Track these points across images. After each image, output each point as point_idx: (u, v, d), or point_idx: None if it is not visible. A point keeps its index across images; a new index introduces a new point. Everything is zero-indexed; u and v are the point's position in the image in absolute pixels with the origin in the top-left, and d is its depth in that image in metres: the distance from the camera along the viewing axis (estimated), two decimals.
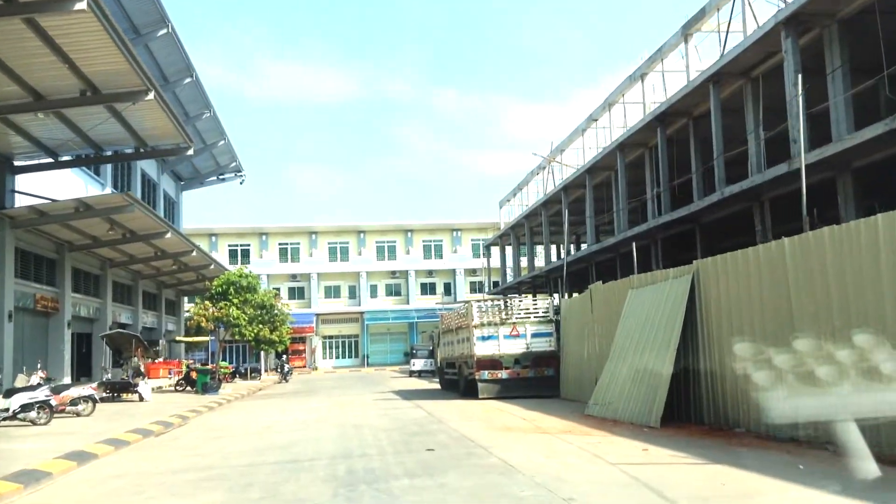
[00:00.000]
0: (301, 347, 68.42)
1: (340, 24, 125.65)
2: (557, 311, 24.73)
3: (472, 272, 70.62)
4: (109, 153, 29.01)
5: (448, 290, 70.87)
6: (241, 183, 57.79)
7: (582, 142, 41.34)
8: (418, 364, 45.80)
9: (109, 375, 28.47)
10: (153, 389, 35.85)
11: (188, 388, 34.25)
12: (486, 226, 71.48)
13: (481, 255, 71.18)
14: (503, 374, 23.82)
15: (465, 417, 18.52)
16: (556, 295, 42.03)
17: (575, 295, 24.23)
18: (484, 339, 24.21)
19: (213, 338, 48.03)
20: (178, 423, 20.03)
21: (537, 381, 23.74)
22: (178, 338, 47.65)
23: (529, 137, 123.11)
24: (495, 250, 61.46)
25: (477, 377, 23.86)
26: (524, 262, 54.42)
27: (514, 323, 24.36)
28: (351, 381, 45.62)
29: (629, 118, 36.43)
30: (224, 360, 68.82)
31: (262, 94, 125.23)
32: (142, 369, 29.79)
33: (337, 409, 23.47)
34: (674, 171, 29.09)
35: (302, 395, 32.57)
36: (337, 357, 70.44)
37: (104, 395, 28.01)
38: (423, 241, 71.67)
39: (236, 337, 35.72)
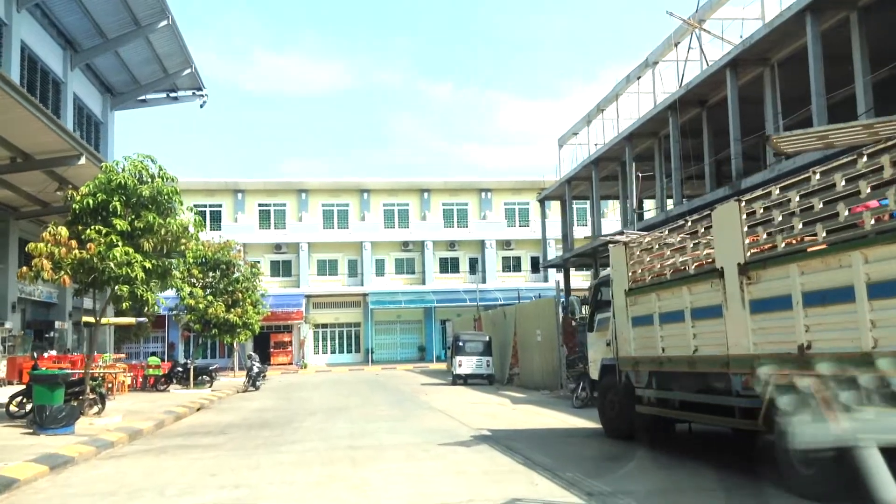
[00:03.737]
0: (286, 339, 49.24)
1: (335, 16, 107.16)
2: None
3: (506, 244, 51.56)
4: None
5: (474, 266, 51.78)
6: (201, 106, 38.78)
7: None
8: (467, 364, 26.56)
9: None
10: None
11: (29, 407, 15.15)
12: (523, 185, 52.47)
13: (517, 223, 52.25)
14: None
15: None
16: None
17: None
18: None
19: (141, 320, 28.80)
20: None
21: None
22: (87, 319, 28.20)
23: (525, 133, 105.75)
24: (551, 210, 42.52)
25: None
26: (599, 224, 35.30)
27: None
28: (358, 389, 26.48)
29: None
30: (186, 354, 49.51)
31: (256, 85, 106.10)
32: None
33: None
34: None
35: (262, 438, 13.41)
36: (332, 351, 51.11)
37: None
38: (444, 204, 52.51)
39: (125, 305, 16.31)
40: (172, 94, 38.19)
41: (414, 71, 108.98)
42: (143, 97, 37.46)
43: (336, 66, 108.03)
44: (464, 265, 51.91)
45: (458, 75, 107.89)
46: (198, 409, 20.49)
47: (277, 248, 50.20)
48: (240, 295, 25.45)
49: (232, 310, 25.18)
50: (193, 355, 27.28)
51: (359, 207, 51.73)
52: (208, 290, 25.54)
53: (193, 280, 25.50)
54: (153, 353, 27.86)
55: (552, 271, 50.53)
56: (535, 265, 52.01)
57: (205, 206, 50.07)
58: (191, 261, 24.54)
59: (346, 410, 18.20)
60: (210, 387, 26.83)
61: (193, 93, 38.37)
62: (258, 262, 49.53)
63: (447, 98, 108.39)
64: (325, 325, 50.53)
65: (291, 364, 48.35)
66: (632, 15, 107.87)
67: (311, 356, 49.76)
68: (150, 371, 26.89)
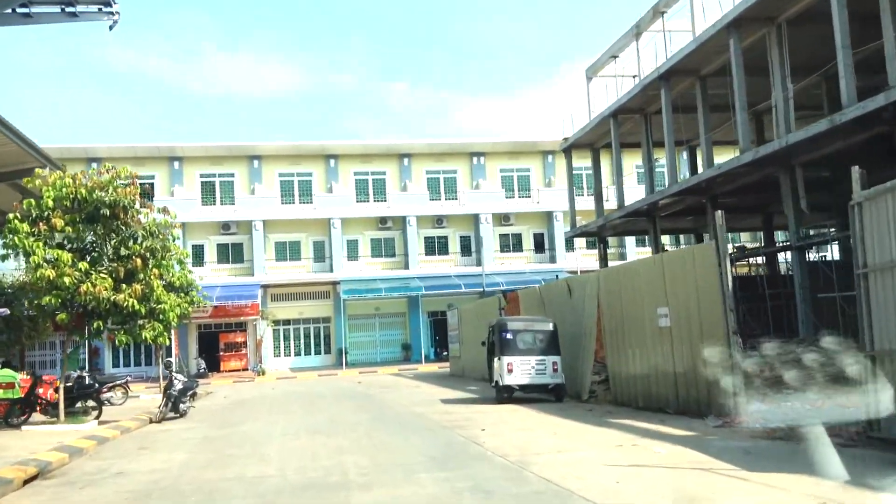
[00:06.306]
0: (239, 339, 37.79)
1: (288, 15, 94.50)
2: None
3: (504, 219, 40.72)
4: None
5: (467, 246, 40.93)
6: (110, 27, 26.85)
7: None
8: (521, 369, 15.41)
9: None
10: None
11: None
12: (522, 148, 41.89)
13: (516, 193, 41.72)
14: None
15: None
16: None
17: None
18: None
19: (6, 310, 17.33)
20: None
21: None
22: None
23: (480, 131, 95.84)
24: (557, 177, 31.46)
25: None
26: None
27: None
28: (345, 413, 15.44)
29: None
30: (115, 361, 37.78)
31: (208, 86, 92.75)
32: None
33: None
34: None
35: None
36: (297, 353, 39.59)
37: None
38: (428, 172, 41.48)
39: None
40: (69, 9, 26.42)
41: (369, 71, 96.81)
42: (25, 8, 25.69)
43: (287, 68, 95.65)
44: (454, 245, 40.95)
45: (413, 74, 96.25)
46: (26, 482, 9.44)
47: (225, 227, 38.59)
48: (138, 262, 14.10)
49: (125, 287, 13.85)
50: (64, 365, 15.73)
51: (325, 176, 40.37)
52: (88, 257, 14.20)
53: (64, 238, 14.18)
54: (5, 364, 16.38)
55: (561, 251, 40.16)
56: (539, 244, 41.37)
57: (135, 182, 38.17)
58: (49, 203, 13.26)
59: (345, 492, 7.24)
60: (97, 417, 15.48)
61: (100, 9, 26.60)
62: (200, 245, 38.22)
63: (402, 97, 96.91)
64: (286, 322, 39.09)
65: (247, 370, 36.95)
66: (586, 16, 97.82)
67: (271, 359, 38.35)
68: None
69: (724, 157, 22.70)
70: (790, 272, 27.16)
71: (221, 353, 37.55)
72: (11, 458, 10.60)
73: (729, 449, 8.65)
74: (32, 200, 13.71)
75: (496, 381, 15.90)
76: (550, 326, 15.92)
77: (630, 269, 14.71)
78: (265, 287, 38.24)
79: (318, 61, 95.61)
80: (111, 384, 18.62)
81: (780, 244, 27.75)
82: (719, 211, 11.52)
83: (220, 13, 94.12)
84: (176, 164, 38.96)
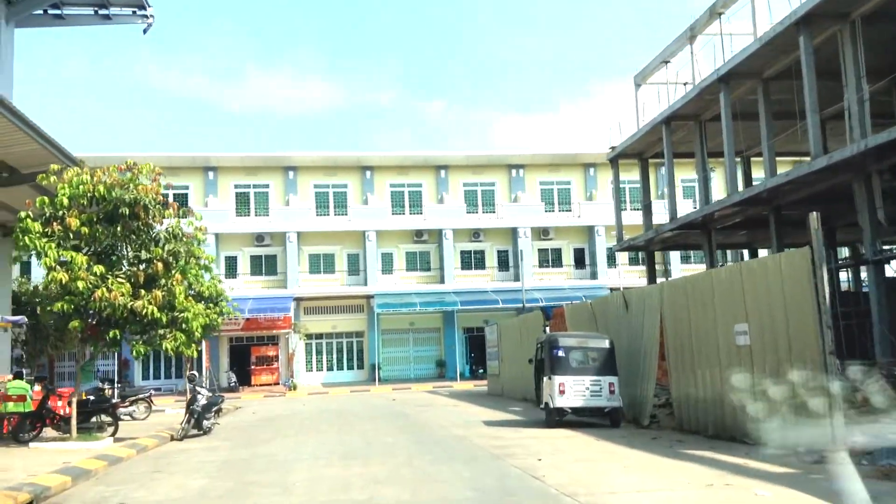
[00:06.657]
0: (271, 352, 36.68)
1: (326, 35, 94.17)
2: None
3: (543, 233, 39.09)
4: None
5: (505, 261, 39.40)
6: (144, 31, 26.14)
7: None
8: (575, 390, 13.85)
9: None
10: None
11: None
12: (563, 160, 40.32)
13: (556, 207, 40.18)
14: None
15: None
16: None
17: None
18: None
19: (16, 319, 16.09)
20: None
21: None
22: None
23: (519, 145, 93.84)
24: (599, 190, 29.75)
25: None
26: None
27: None
28: (381, 434, 13.98)
29: None
30: (145, 374, 36.97)
31: (245, 104, 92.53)
32: None
33: None
34: None
35: None
36: (329, 367, 38.29)
37: None
38: (465, 184, 40.11)
39: None
40: (102, 11, 25.62)
41: (405, 87, 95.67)
42: (56, 9, 24.95)
43: (324, 86, 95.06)
44: (491, 259, 39.45)
45: (450, 91, 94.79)
46: None
47: (259, 239, 37.59)
48: (159, 266, 12.89)
49: (145, 293, 12.63)
50: (78, 377, 14.52)
51: (360, 188, 39.24)
52: (106, 261, 13.01)
53: (81, 240, 13.01)
54: (17, 375, 15.25)
55: (602, 267, 38.46)
56: (580, 259, 39.71)
57: (165, 187, 37.40)
58: (64, 201, 12.08)
59: None
60: (113, 433, 14.24)
61: (134, 11, 25.82)
62: (234, 257, 37.26)
63: (439, 114, 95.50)
64: (319, 335, 37.86)
65: (278, 384, 35.77)
66: (619, 32, 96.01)
67: (303, 374, 37.11)
68: (9, 407, 14.33)
69: (781, 169, 21.03)
70: (852, 289, 25.31)
71: (253, 367, 36.50)
72: (9, 481, 9.35)
73: (847, 492, 7.05)
74: (46, 198, 12.60)
75: (546, 403, 14.35)
76: (607, 343, 14.35)
77: (700, 280, 13.09)
78: (298, 300, 37.11)
79: (355, 79, 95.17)
80: (133, 398, 17.47)
81: (842, 260, 25.91)
82: (814, 213, 9.92)
83: (259, 32, 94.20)
84: (210, 174, 38.11)
